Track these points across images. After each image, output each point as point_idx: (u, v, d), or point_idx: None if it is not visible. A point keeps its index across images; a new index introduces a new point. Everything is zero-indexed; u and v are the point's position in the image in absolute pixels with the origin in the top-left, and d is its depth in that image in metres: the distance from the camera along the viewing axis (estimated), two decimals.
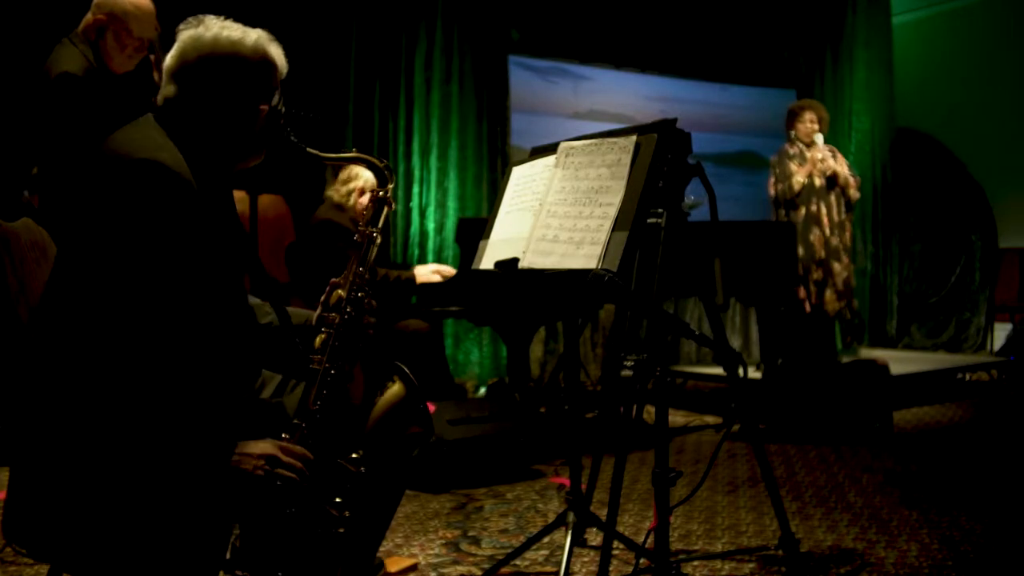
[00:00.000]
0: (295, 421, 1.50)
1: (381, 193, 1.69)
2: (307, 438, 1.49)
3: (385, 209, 1.69)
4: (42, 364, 1.38)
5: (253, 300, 1.74)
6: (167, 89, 1.53)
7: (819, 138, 5.01)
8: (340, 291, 1.62)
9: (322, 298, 1.66)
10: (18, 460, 1.41)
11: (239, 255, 1.58)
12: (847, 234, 5.06)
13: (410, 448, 1.69)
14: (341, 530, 1.46)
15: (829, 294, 4.95)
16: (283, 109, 1.60)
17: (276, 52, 1.58)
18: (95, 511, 1.34)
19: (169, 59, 1.53)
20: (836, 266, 4.96)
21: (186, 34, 1.53)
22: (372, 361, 1.68)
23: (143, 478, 1.34)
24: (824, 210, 4.96)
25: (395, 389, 1.62)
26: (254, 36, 1.55)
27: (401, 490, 1.74)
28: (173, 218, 1.37)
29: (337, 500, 1.48)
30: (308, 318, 1.70)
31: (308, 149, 1.63)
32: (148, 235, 1.35)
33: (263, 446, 1.40)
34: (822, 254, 4.92)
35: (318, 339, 1.58)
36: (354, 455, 1.52)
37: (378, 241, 1.67)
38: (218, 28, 1.53)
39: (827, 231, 4.94)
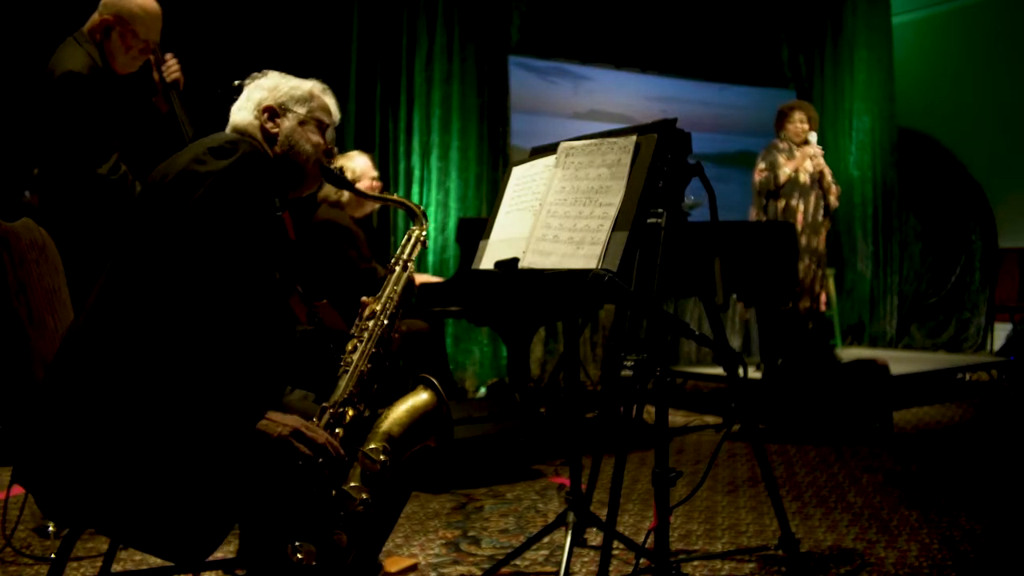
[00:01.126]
0: (323, 404, 1.61)
1: (417, 233, 1.88)
2: (333, 425, 1.58)
3: (420, 247, 1.89)
4: (91, 345, 1.48)
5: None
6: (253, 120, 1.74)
7: (813, 136, 5.02)
8: (375, 306, 1.77)
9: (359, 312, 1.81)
10: (51, 432, 1.48)
11: (289, 266, 1.78)
12: (820, 238, 5.06)
13: (427, 453, 1.73)
14: (360, 508, 1.52)
15: (802, 294, 4.95)
16: (336, 150, 1.82)
17: (331, 103, 1.81)
18: (124, 470, 1.43)
19: (258, 96, 1.75)
20: (803, 263, 4.96)
21: (258, 83, 1.77)
22: (389, 365, 1.78)
23: (174, 429, 1.44)
24: (801, 207, 4.97)
25: (425, 398, 1.69)
26: (312, 85, 1.79)
27: (408, 491, 1.77)
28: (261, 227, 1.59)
29: (353, 484, 1.53)
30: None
31: (356, 186, 1.89)
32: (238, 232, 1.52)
33: (292, 419, 1.50)
34: None
35: (350, 344, 1.72)
36: (373, 445, 1.58)
37: (411, 270, 1.86)
38: (287, 83, 1.78)
39: (799, 228, 4.95)
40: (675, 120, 1.98)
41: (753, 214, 5.10)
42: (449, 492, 3.27)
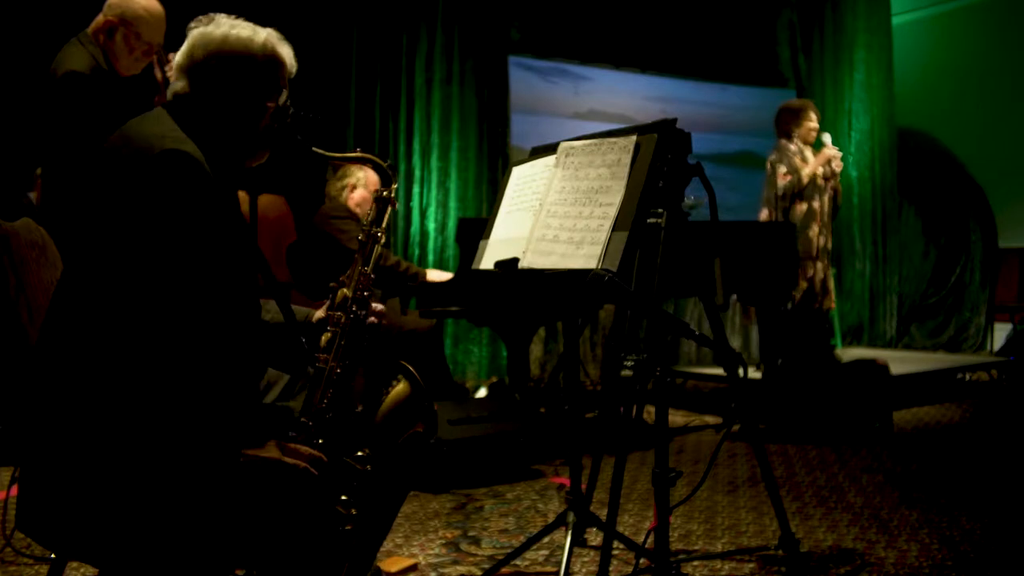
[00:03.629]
0: (302, 420, 1.51)
1: (385, 193, 1.70)
2: (314, 436, 1.50)
3: (389, 209, 1.70)
4: (58, 357, 1.39)
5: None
6: (177, 85, 1.54)
7: (827, 137, 4.96)
8: (345, 291, 1.63)
9: (329, 299, 1.68)
10: (31, 452, 1.41)
11: (248, 251, 1.59)
12: (829, 237, 5.07)
13: (414, 448, 1.69)
14: (348, 527, 1.47)
15: (817, 292, 4.96)
16: (291, 108, 1.62)
17: (285, 51, 1.60)
18: (106, 501, 1.35)
19: (179, 56, 1.55)
20: (819, 264, 4.97)
21: (196, 32, 1.54)
22: (375, 360, 1.69)
23: (153, 473, 1.34)
24: (819, 208, 4.96)
25: (400, 388, 1.63)
26: (263, 35, 1.57)
27: (405, 491, 1.74)
28: (201, 207, 1.39)
29: (344, 498, 1.48)
30: (308, 315, 1.71)
31: (314, 148, 1.65)
32: (178, 224, 1.36)
33: (267, 450, 1.40)
34: (816, 251, 4.93)
35: (324, 338, 1.60)
36: (360, 453, 1.54)
37: (382, 241, 1.69)
38: (228, 26, 1.55)
39: (818, 229, 4.95)
40: (675, 120, 1.98)
41: (764, 216, 5.04)
42: (449, 492, 3.27)
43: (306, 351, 1.62)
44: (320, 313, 1.70)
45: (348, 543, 1.50)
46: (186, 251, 1.36)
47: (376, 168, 1.73)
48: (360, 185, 4.00)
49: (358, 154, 1.74)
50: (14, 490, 2.56)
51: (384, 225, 1.70)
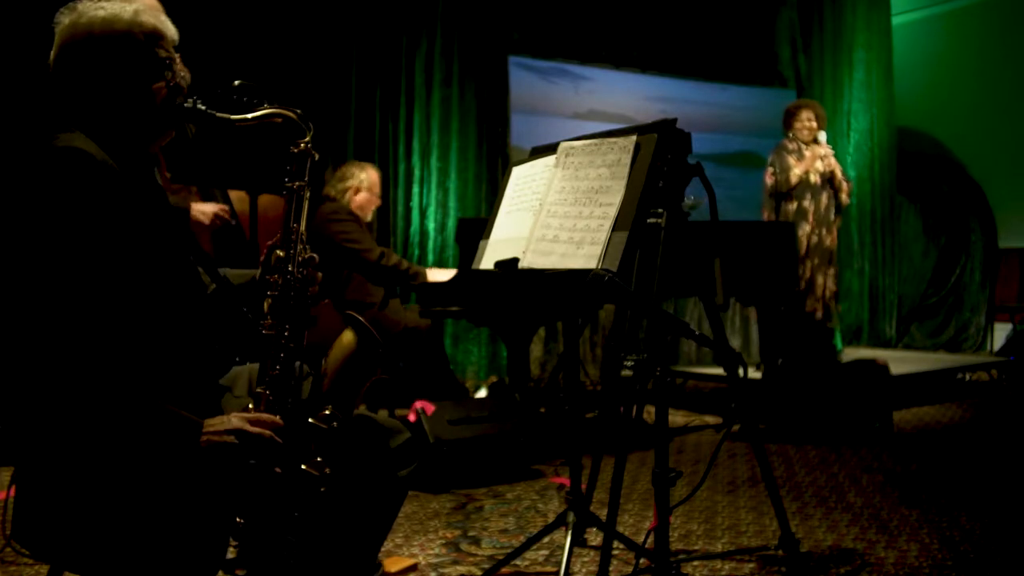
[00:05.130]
0: (258, 389, 1.48)
1: (303, 145, 1.62)
2: (273, 404, 1.46)
3: (308, 161, 1.62)
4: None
5: None
6: (52, 83, 1.48)
7: (822, 136, 5.06)
8: (279, 251, 1.57)
9: (261, 259, 1.63)
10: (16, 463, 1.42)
11: (175, 233, 1.54)
12: (832, 236, 5.07)
13: (404, 455, 1.67)
14: (323, 489, 1.43)
15: (808, 295, 4.97)
16: (181, 80, 1.52)
17: (156, 20, 1.50)
18: (77, 507, 1.34)
19: (53, 52, 1.48)
20: (811, 263, 4.97)
21: (62, 24, 1.46)
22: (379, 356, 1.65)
23: (115, 471, 1.33)
24: (812, 207, 4.98)
25: (346, 339, 1.56)
26: (130, 9, 1.47)
27: (405, 488, 1.73)
28: (99, 201, 1.34)
29: (317, 460, 1.45)
30: (253, 276, 1.67)
31: (218, 114, 1.54)
32: (77, 221, 1.31)
33: (230, 421, 1.37)
34: (803, 252, 4.94)
35: (265, 304, 1.54)
36: (325, 412, 1.49)
37: (307, 195, 1.61)
38: (92, 11, 1.46)
39: (809, 228, 4.96)
40: (675, 120, 1.98)
41: (765, 216, 5.13)
42: (449, 492, 3.27)
43: (250, 320, 1.57)
44: (258, 273, 1.64)
45: (346, 523, 1.48)
46: (92, 241, 1.32)
47: (285, 120, 1.62)
48: (363, 188, 4.01)
49: (264, 111, 1.60)
50: (15, 490, 2.56)
51: (307, 179, 1.62)
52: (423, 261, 5.56)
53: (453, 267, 5.41)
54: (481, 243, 2.27)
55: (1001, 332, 7.08)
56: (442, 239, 5.67)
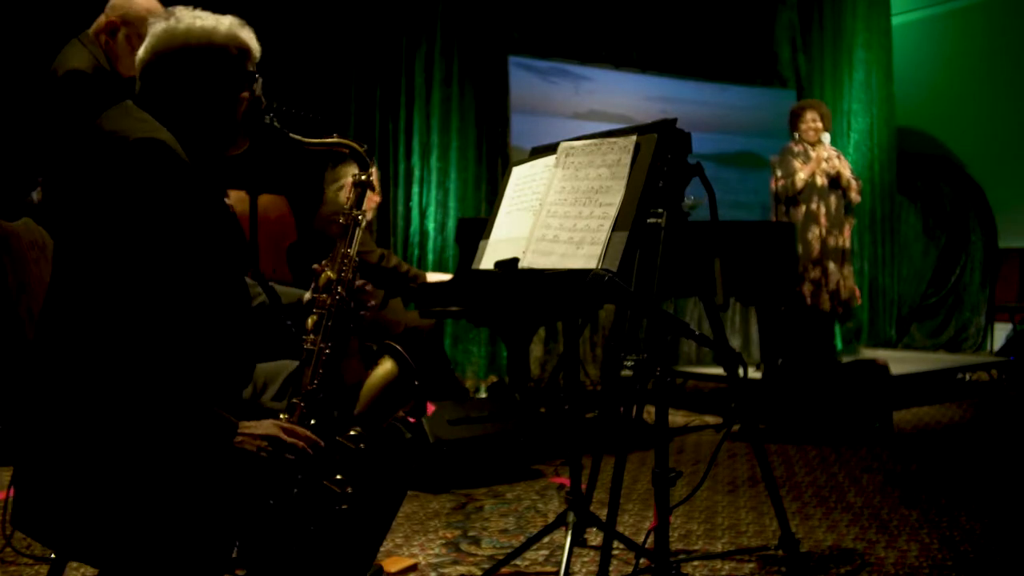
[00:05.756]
0: (294, 400, 1.52)
1: (363, 177, 1.71)
2: (307, 417, 1.50)
3: (368, 192, 1.71)
4: (50, 355, 1.38)
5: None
6: (142, 81, 1.54)
7: (826, 137, 5.05)
8: (329, 272, 1.63)
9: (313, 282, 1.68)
10: (27, 451, 1.41)
11: (234, 240, 1.58)
12: (845, 236, 5.07)
13: (405, 442, 1.68)
14: (344, 507, 1.47)
15: (824, 295, 4.97)
16: (261, 96, 1.60)
17: (248, 37, 1.58)
18: (103, 496, 1.35)
19: (143, 52, 1.53)
20: (831, 266, 4.98)
21: (158, 27, 1.52)
22: (367, 343, 1.70)
23: (148, 462, 1.35)
24: (823, 209, 4.97)
25: (387, 367, 1.62)
26: (226, 24, 1.55)
27: (404, 488, 1.74)
28: (177, 195, 1.38)
29: (338, 477, 1.48)
30: (300, 296, 1.72)
31: (291, 135, 1.64)
32: (155, 213, 1.35)
33: (266, 426, 1.41)
34: (817, 254, 4.94)
35: (310, 320, 1.60)
36: (352, 432, 1.53)
37: (363, 223, 1.69)
38: (190, 19, 1.53)
39: (824, 231, 4.96)
40: (675, 120, 1.98)
41: (773, 218, 5.14)
42: (449, 492, 3.27)
43: (292, 334, 1.62)
44: (309, 295, 1.70)
45: (345, 529, 1.49)
46: (161, 239, 1.35)
47: (352, 153, 1.73)
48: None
49: (334, 139, 1.73)
50: (13, 490, 2.56)
51: (364, 208, 1.71)
52: (423, 261, 5.56)
53: (453, 267, 5.42)
54: (481, 243, 2.27)
55: (1001, 332, 7.08)
56: (442, 239, 5.67)
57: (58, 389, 1.37)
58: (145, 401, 1.33)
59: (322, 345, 1.56)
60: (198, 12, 1.54)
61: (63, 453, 1.36)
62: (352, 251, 1.65)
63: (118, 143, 1.38)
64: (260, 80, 1.60)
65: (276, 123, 1.62)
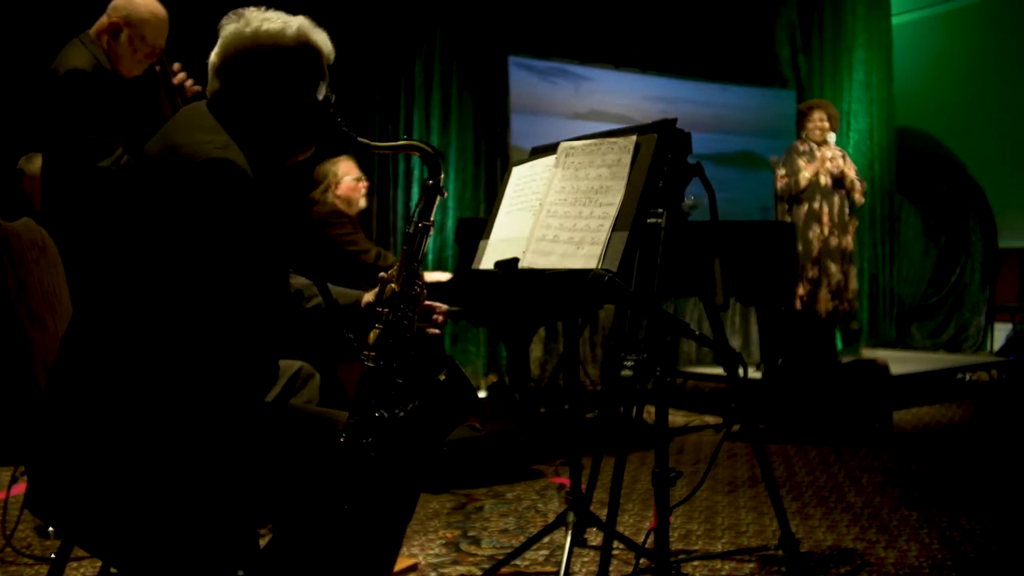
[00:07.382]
0: (352, 420, 1.47)
1: (431, 182, 1.63)
2: (364, 436, 1.47)
3: (437, 199, 1.64)
4: (89, 353, 1.40)
5: (301, 280, 1.71)
6: (213, 84, 1.53)
7: (831, 137, 5.08)
8: (393, 285, 1.58)
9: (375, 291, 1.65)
10: (51, 443, 1.41)
11: (285, 246, 1.59)
12: (849, 237, 5.08)
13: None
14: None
15: (823, 293, 4.97)
16: (333, 98, 1.58)
17: (320, 38, 1.58)
18: (136, 487, 1.36)
19: (213, 56, 1.53)
20: (832, 266, 4.98)
21: (228, 30, 1.52)
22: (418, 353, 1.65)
23: (187, 453, 1.37)
24: (826, 209, 4.98)
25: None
26: (295, 25, 1.54)
27: (416, 494, 1.71)
28: (245, 215, 1.38)
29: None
30: (358, 298, 1.68)
31: (359, 138, 1.60)
32: (220, 234, 1.36)
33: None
34: (817, 253, 4.95)
35: (372, 334, 1.54)
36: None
37: (431, 232, 1.64)
38: (259, 21, 1.51)
39: (826, 230, 4.96)
40: (675, 120, 1.98)
41: (777, 218, 5.16)
42: (449, 492, 3.27)
43: (353, 346, 1.57)
44: (369, 297, 1.66)
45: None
46: (228, 258, 1.37)
47: (423, 155, 1.64)
48: (340, 179, 3.93)
49: (404, 141, 1.67)
50: (14, 490, 2.56)
51: (432, 218, 1.64)
52: (423, 261, 5.55)
53: (452, 268, 5.42)
54: (481, 243, 2.27)
55: (1001, 332, 7.08)
56: (442, 239, 5.67)
57: (101, 385, 1.38)
58: (208, 399, 1.37)
59: (383, 364, 1.51)
60: (268, 13, 1.53)
61: (99, 443, 1.37)
62: (417, 263, 1.59)
63: (187, 163, 1.38)
64: (327, 85, 1.58)
65: (345, 127, 1.58)
